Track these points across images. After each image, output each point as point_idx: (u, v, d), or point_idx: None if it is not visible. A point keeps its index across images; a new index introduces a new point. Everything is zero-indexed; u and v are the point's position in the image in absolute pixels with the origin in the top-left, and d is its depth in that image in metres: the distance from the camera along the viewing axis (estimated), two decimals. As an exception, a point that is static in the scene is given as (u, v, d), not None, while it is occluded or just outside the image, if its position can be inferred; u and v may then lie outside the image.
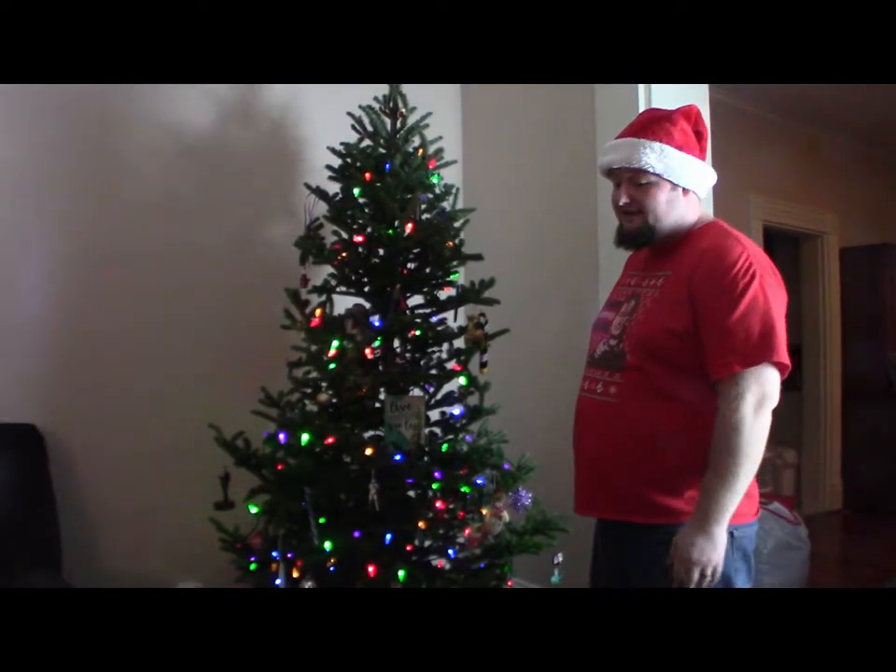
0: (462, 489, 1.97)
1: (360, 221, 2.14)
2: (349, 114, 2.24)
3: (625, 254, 1.64)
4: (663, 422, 1.41)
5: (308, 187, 2.20)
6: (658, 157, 1.43)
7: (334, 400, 2.03)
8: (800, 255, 4.86)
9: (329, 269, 2.19)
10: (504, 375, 2.31)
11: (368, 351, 2.00)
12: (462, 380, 2.09)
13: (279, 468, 1.99)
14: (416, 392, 2.12)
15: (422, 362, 2.16)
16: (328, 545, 1.83)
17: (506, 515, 1.95)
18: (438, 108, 2.35)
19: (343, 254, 2.12)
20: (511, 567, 2.06)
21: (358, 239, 2.11)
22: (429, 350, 2.18)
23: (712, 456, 1.34)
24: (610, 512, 1.50)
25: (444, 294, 2.19)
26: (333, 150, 2.21)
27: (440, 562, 2.07)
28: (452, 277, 2.18)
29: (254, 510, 2.00)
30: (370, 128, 2.20)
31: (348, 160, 2.19)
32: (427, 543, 2.09)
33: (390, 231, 2.05)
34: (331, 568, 1.85)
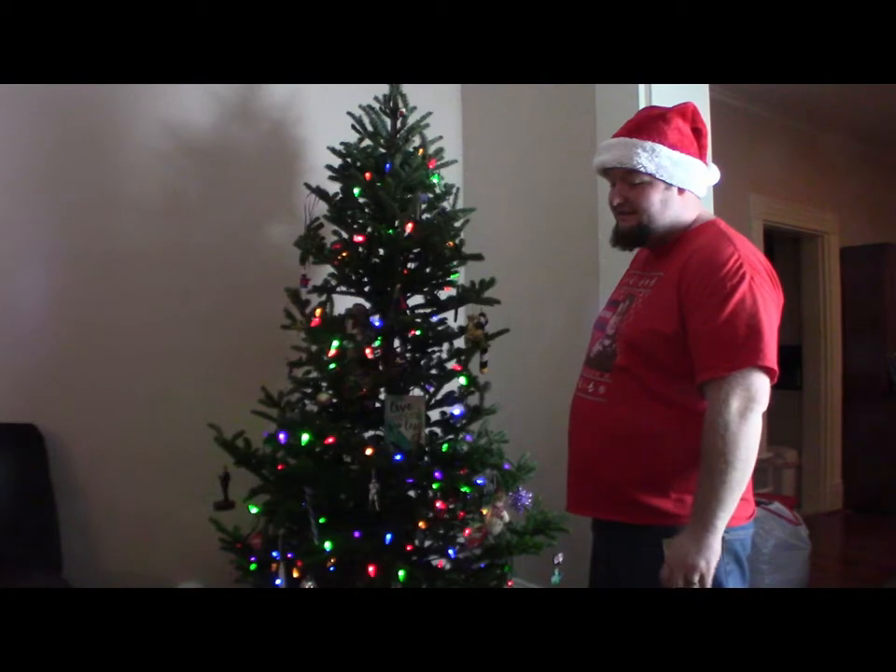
0: (462, 489, 1.97)
1: (360, 221, 2.14)
2: (349, 114, 2.24)
3: (625, 254, 1.64)
4: (649, 423, 1.40)
5: (308, 186, 2.20)
6: (650, 157, 1.42)
7: (334, 400, 2.03)
8: (800, 255, 4.86)
9: (329, 269, 2.19)
10: (504, 375, 2.31)
11: (368, 351, 2.00)
12: (462, 380, 2.09)
13: (279, 468, 1.98)
14: (416, 392, 2.12)
15: (422, 362, 2.16)
16: (328, 545, 1.83)
17: (506, 515, 1.95)
18: (438, 108, 2.35)
19: (344, 254, 2.12)
20: (511, 567, 2.06)
21: (359, 239, 2.11)
22: (429, 350, 2.18)
23: (701, 462, 1.32)
24: (599, 511, 1.50)
25: (444, 294, 2.19)
26: (333, 150, 2.21)
27: (440, 562, 2.07)
28: (452, 277, 2.18)
29: (254, 510, 2.00)
30: (370, 128, 2.20)
31: (348, 159, 2.19)
32: (427, 543, 2.09)
33: (390, 231, 2.05)
34: (331, 568, 1.85)
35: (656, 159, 1.42)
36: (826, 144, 4.80)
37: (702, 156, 1.50)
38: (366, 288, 2.17)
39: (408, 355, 2.15)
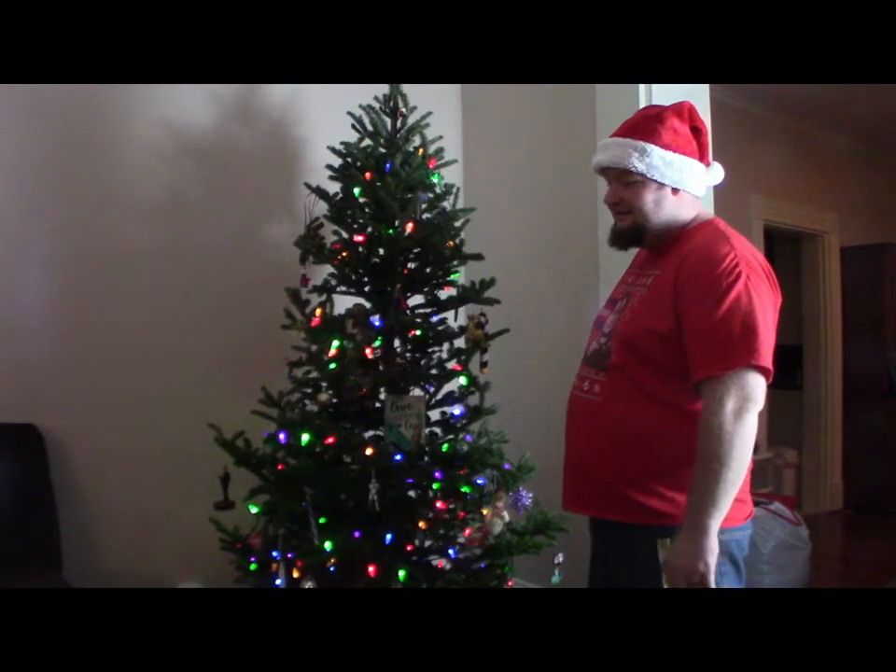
0: (462, 489, 1.97)
1: (360, 221, 2.14)
2: (349, 113, 2.24)
3: (625, 253, 1.64)
4: (644, 422, 1.40)
5: (308, 186, 2.20)
6: (640, 157, 1.42)
7: (334, 400, 2.03)
8: (800, 255, 4.86)
9: (329, 269, 2.19)
10: (504, 375, 2.31)
11: (368, 351, 2.00)
12: (462, 380, 2.09)
13: (279, 468, 1.99)
14: (417, 392, 2.12)
15: (422, 362, 2.16)
16: (328, 545, 1.83)
17: (506, 515, 1.95)
18: (438, 108, 2.35)
19: (344, 253, 2.12)
20: (511, 567, 2.06)
21: (359, 239, 2.11)
22: (429, 350, 2.18)
23: (696, 462, 1.32)
24: (595, 510, 1.50)
25: (445, 294, 2.20)
26: (333, 150, 2.21)
27: (440, 562, 2.07)
28: (452, 277, 2.18)
29: (254, 510, 2.00)
30: (370, 127, 2.20)
31: (348, 159, 2.19)
32: (427, 543, 2.09)
33: (390, 231, 2.05)
34: (331, 568, 1.85)
35: (647, 159, 1.42)
36: (826, 144, 4.80)
37: (701, 155, 1.50)
38: (366, 288, 2.17)
39: (408, 355, 2.15)
